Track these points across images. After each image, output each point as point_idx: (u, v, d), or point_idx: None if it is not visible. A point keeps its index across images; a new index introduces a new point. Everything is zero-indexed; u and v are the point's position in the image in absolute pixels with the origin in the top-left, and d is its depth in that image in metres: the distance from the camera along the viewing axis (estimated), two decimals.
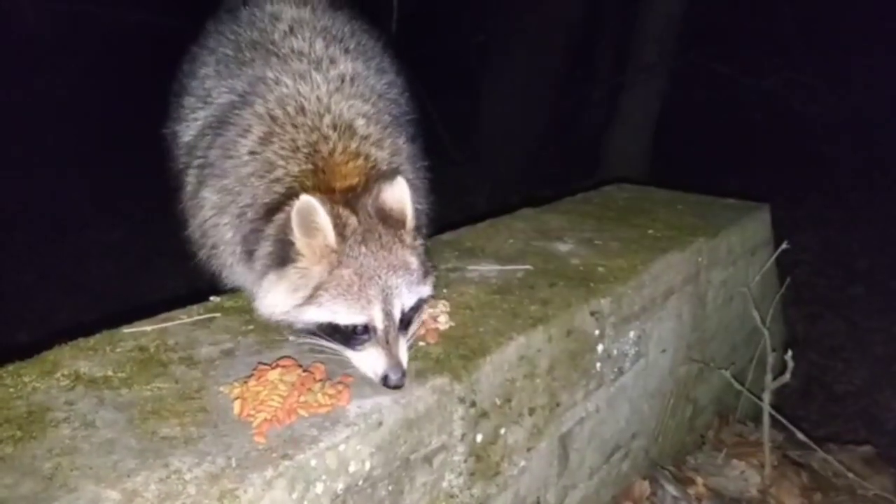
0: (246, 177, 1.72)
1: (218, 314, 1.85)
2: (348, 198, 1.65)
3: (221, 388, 1.47)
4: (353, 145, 1.74)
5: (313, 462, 1.34)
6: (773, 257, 3.17)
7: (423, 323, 1.87)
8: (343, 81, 1.86)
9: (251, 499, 1.23)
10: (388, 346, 1.57)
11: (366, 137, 1.78)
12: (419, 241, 1.74)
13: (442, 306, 1.95)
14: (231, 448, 1.32)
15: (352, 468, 1.42)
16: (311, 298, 1.58)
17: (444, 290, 2.09)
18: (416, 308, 1.69)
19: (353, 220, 1.61)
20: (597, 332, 2.13)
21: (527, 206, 3.02)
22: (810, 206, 6.76)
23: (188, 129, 1.93)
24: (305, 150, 1.71)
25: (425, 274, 1.71)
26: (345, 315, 1.58)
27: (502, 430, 1.84)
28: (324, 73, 1.85)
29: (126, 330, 1.76)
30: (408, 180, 1.72)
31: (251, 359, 1.66)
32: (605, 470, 2.36)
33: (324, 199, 1.57)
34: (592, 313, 2.10)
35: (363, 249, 1.60)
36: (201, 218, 1.80)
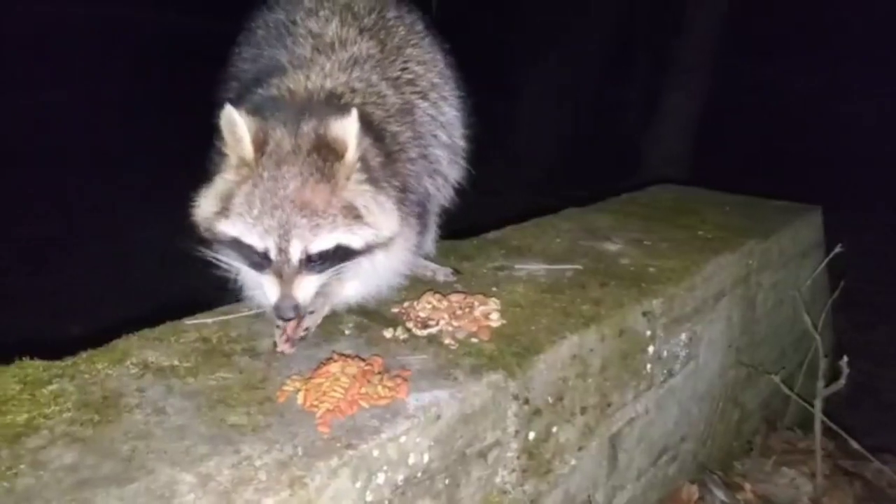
0: None
1: None
2: (289, 117, 1.59)
3: (285, 386, 1.51)
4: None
5: (375, 452, 1.37)
6: (826, 261, 3.10)
7: (475, 320, 1.89)
8: (355, 63, 1.82)
9: (318, 486, 1.26)
10: (282, 280, 1.54)
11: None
12: (364, 184, 1.60)
13: (493, 304, 1.97)
14: (297, 437, 1.35)
15: (411, 460, 1.44)
16: (223, 210, 1.56)
17: (494, 289, 2.11)
18: (339, 253, 1.58)
19: (279, 138, 1.55)
20: (648, 332, 2.13)
21: (565, 207, 3.01)
22: (860, 209, 6.59)
23: None
24: None
25: (365, 218, 1.58)
26: (244, 235, 1.54)
27: (554, 429, 1.84)
28: (328, 57, 1.82)
29: (189, 322, 1.81)
30: (423, 150, 1.74)
31: (310, 351, 1.69)
32: (653, 472, 2.35)
33: (250, 113, 1.56)
34: (644, 314, 2.09)
35: (276, 172, 1.53)
36: None
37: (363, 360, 1.61)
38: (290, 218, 1.51)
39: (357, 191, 1.58)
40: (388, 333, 1.80)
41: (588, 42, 6.59)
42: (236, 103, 1.62)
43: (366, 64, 1.83)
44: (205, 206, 1.60)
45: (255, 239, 1.53)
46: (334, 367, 1.54)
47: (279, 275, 1.54)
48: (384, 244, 1.65)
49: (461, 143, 2.04)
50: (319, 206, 1.53)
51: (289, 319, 1.58)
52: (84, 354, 1.62)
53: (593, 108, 7.13)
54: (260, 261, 1.56)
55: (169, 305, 1.94)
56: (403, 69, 1.92)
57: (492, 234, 2.61)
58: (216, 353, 1.66)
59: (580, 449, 1.96)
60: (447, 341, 1.78)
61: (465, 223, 2.44)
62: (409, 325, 1.85)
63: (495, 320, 1.90)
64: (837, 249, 3.01)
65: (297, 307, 1.55)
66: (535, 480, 1.81)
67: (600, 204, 3.11)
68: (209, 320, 1.82)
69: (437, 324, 1.85)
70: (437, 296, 1.96)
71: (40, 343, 1.67)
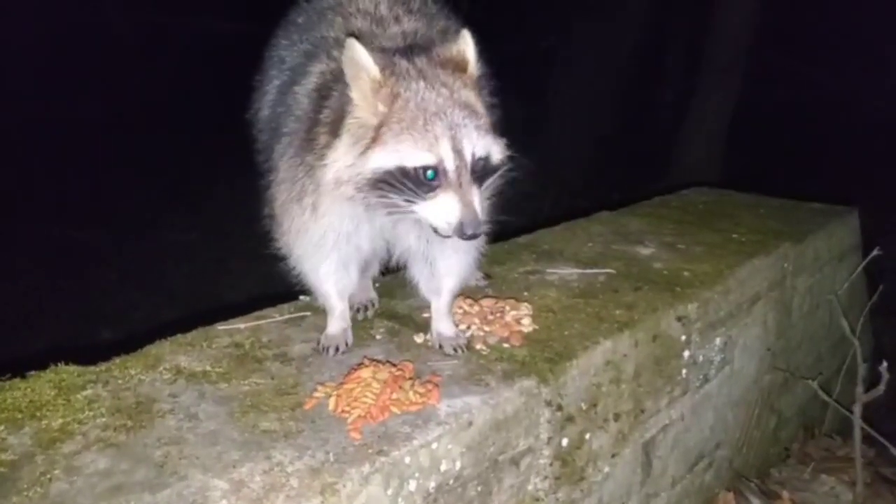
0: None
1: (308, 313, 1.89)
2: (396, 52, 1.56)
3: (316, 392, 1.50)
4: None
5: (407, 459, 1.35)
6: (864, 264, 3.02)
7: (507, 325, 1.87)
8: (405, 39, 1.78)
9: (350, 493, 1.25)
10: (462, 191, 1.43)
11: None
12: (487, 96, 1.60)
13: (525, 309, 1.94)
14: (328, 443, 1.34)
15: (443, 467, 1.42)
16: (374, 141, 1.45)
17: (525, 293, 2.09)
18: (488, 165, 1.50)
19: (402, 63, 1.51)
20: (683, 337, 2.08)
21: (597, 211, 2.97)
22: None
23: (266, 99, 1.89)
24: None
25: (495, 135, 1.54)
26: (411, 154, 1.43)
27: (587, 435, 1.81)
28: (384, 29, 1.79)
29: (221, 327, 1.82)
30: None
31: (341, 356, 1.68)
32: (689, 479, 2.30)
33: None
34: (679, 318, 2.05)
35: (422, 84, 1.47)
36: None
37: (394, 365, 1.60)
38: (454, 119, 1.44)
39: (482, 97, 1.57)
40: (418, 339, 1.78)
41: (618, 43, 6.52)
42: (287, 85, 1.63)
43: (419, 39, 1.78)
44: (344, 156, 1.49)
45: (425, 151, 1.43)
46: (365, 373, 1.52)
47: (457, 186, 1.43)
48: (502, 170, 1.58)
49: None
50: (470, 107, 1.49)
51: (472, 237, 1.44)
52: (117, 360, 1.63)
53: (624, 110, 7.05)
54: (429, 182, 1.43)
55: (201, 310, 1.95)
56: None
57: (522, 238, 2.59)
58: (248, 359, 1.66)
59: (614, 456, 1.92)
60: (478, 346, 1.76)
61: (496, 227, 2.42)
62: None
63: (527, 325, 1.87)
64: (875, 252, 2.93)
65: (479, 223, 1.44)
66: (568, 488, 1.78)
67: (632, 207, 3.06)
68: (241, 325, 1.82)
69: (469, 329, 1.83)
70: (468, 301, 1.94)
71: (72, 348, 1.69)
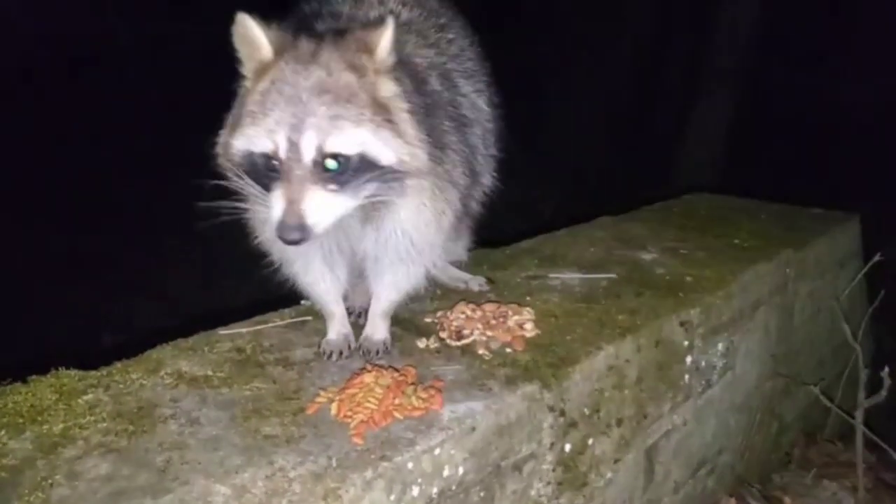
0: None
1: (310, 317, 1.89)
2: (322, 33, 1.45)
3: (318, 397, 1.49)
4: None
5: (410, 465, 1.34)
6: (865, 269, 3.02)
7: (509, 330, 1.86)
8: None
9: (352, 499, 1.24)
10: (290, 188, 1.28)
11: None
12: (400, 100, 1.41)
13: (527, 313, 1.94)
14: (331, 448, 1.33)
15: (446, 472, 1.42)
16: (234, 124, 1.38)
17: (527, 298, 2.08)
18: (364, 166, 1.33)
19: (304, 42, 1.39)
20: (686, 343, 2.08)
21: (598, 216, 2.97)
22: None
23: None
24: None
25: (399, 126, 1.38)
26: (253, 139, 1.32)
27: (590, 441, 1.80)
28: (364, 10, 1.73)
29: (222, 332, 1.81)
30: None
31: (343, 361, 1.68)
32: (691, 485, 2.29)
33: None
34: (682, 324, 2.05)
35: (298, 66, 1.33)
36: None
37: (396, 370, 1.59)
38: (307, 106, 1.29)
39: (392, 96, 1.39)
40: (421, 343, 1.78)
41: (619, 48, 6.54)
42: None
43: (410, 26, 1.73)
44: (224, 134, 1.42)
45: (263, 138, 1.31)
46: (368, 378, 1.52)
47: (286, 181, 1.29)
48: (415, 175, 1.44)
49: (493, 150, 1.97)
50: (343, 94, 1.32)
51: (291, 242, 1.29)
52: (118, 364, 1.62)
53: (625, 115, 7.06)
54: (270, 172, 1.32)
55: (202, 315, 1.94)
56: (447, 40, 1.82)
57: (525, 243, 2.58)
58: (250, 363, 1.65)
59: (616, 462, 1.91)
60: (481, 351, 1.75)
61: (498, 232, 2.42)
62: (443, 335, 1.82)
63: (530, 330, 1.87)
64: (877, 258, 2.93)
65: (303, 228, 1.28)
66: (571, 493, 1.77)
67: (634, 212, 3.06)
68: (243, 330, 1.82)
69: (471, 334, 1.83)
70: (471, 305, 1.93)
71: (72, 353, 1.68)
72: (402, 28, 1.66)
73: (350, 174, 1.33)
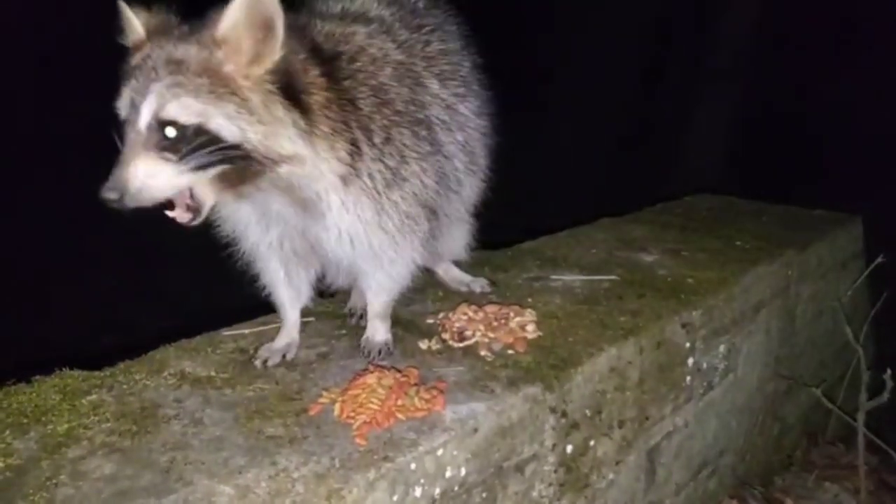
0: None
1: (312, 319, 1.89)
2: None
3: (321, 398, 1.50)
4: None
5: (413, 465, 1.35)
6: (868, 271, 3.02)
7: (511, 331, 1.86)
8: (359, 18, 1.69)
9: (355, 499, 1.24)
10: (123, 152, 1.31)
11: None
12: (269, 85, 1.38)
13: (529, 315, 1.94)
14: (334, 449, 1.34)
15: (448, 473, 1.42)
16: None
17: (529, 300, 2.08)
18: (204, 140, 1.31)
19: (175, 23, 1.43)
20: (687, 344, 2.08)
21: (599, 217, 2.97)
22: None
23: None
24: None
25: (254, 112, 1.35)
26: (117, 106, 1.36)
27: (592, 442, 1.81)
28: (336, 5, 1.74)
29: (225, 332, 1.82)
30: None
31: (345, 362, 1.69)
32: (692, 486, 2.29)
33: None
34: (683, 325, 2.05)
35: (159, 42, 1.37)
36: None
37: (399, 371, 1.60)
38: (154, 75, 1.32)
39: (253, 81, 1.37)
40: (423, 345, 1.78)
41: (620, 48, 6.54)
42: None
43: (375, 23, 1.69)
44: None
45: (120, 103, 1.35)
46: (371, 379, 1.52)
47: (124, 146, 1.31)
48: (288, 162, 1.42)
49: (482, 160, 1.94)
50: (186, 65, 1.33)
51: (110, 204, 1.28)
52: (121, 365, 1.63)
53: (626, 116, 7.06)
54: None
55: (204, 316, 1.95)
56: (422, 41, 1.78)
57: (526, 245, 2.59)
58: (253, 364, 1.66)
59: (618, 463, 1.92)
60: (483, 353, 1.76)
61: (498, 233, 2.42)
62: (445, 336, 1.83)
63: (531, 332, 1.87)
64: (879, 260, 2.93)
65: (123, 190, 1.28)
66: (573, 495, 1.78)
67: (635, 214, 3.07)
68: (246, 331, 1.83)
69: (473, 335, 1.83)
70: (473, 307, 1.94)
71: (73, 354, 1.68)
72: (357, 20, 1.65)
73: (189, 146, 1.32)
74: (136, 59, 1.39)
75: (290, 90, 1.40)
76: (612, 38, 6.47)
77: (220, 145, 1.33)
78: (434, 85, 1.73)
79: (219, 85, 1.33)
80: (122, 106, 1.35)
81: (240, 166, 1.38)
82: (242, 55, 1.35)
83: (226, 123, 1.33)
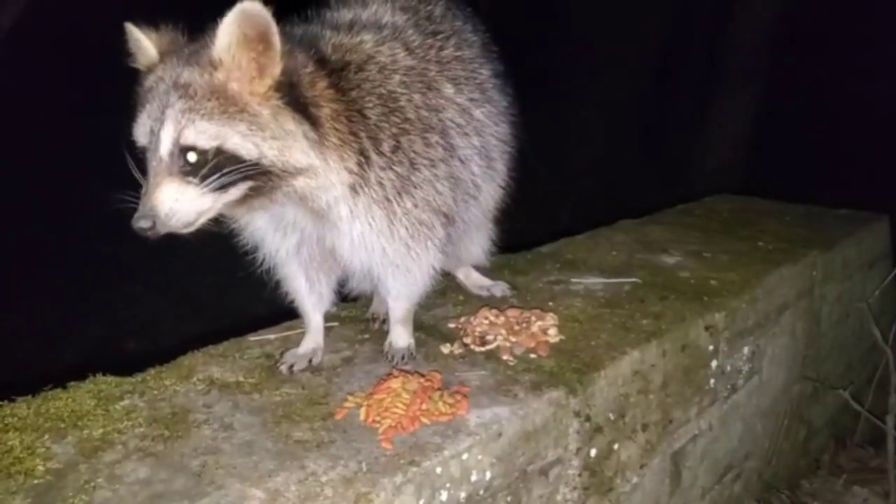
0: None
1: (335, 323, 1.92)
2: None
3: (346, 402, 1.52)
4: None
5: (438, 469, 1.36)
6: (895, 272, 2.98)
7: (533, 335, 1.87)
8: (350, 25, 1.68)
9: (383, 503, 1.26)
10: (149, 178, 1.34)
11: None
12: (278, 100, 1.40)
13: (550, 319, 1.95)
14: (361, 453, 1.36)
15: (473, 477, 1.43)
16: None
17: (550, 303, 2.09)
18: (225, 161, 1.34)
19: (185, 48, 1.44)
20: (711, 347, 2.07)
21: (619, 219, 2.96)
22: None
23: None
24: None
25: (266, 128, 1.37)
26: (134, 133, 1.39)
27: (616, 446, 1.81)
28: (345, 13, 1.73)
29: (252, 338, 1.85)
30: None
31: (369, 366, 1.71)
32: (718, 490, 2.28)
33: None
34: (707, 328, 2.04)
35: (170, 64, 1.40)
36: None
37: (422, 376, 1.61)
38: (168, 100, 1.35)
39: (260, 97, 1.38)
40: (445, 349, 1.80)
41: (637, 51, 6.52)
42: None
43: (386, 30, 1.70)
44: None
45: (138, 130, 1.38)
46: (395, 383, 1.54)
47: (149, 172, 1.34)
48: (304, 174, 1.44)
49: (501, 165, 1.95)
50: (194, 88, 1.35)
51: (142, 231, 1.31)
52: (152, 371, 1.67)
53: (645, 117, 7.02)
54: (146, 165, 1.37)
55: (228, 322, 1.98)
56: (437, 47, 1.78)
57: (546, 248, 2.59)
58: (279, 369, 1.69)
59: (642, 466, 1.92)
60: (505, 357, 1.77)
61: (518, 237, 2.43)
62: (467, 340, 1.84)
63: (553, 336, 1.88)
64: None
65: (154, 217, 1.31)
66: (597, 498, 1.78)
67: (655, 215, 3.06)
68: (271, 336, 1.86)
69: (495, 339, 1.84)
70: (494, 311, 1.95)
71: (99, 360, 1.72)
72: (366, 28, 1.66)
73: (211, 169, 1.34)
74: (148, 83, 1.42)
75: (298, 103, 1.43)
76: (631, 39, 6.45)
77: (239, 165, 1.36)
78: (448, 89, 1.74)
79: (229, 105, 1.36)
80: (141, 133, 1.38)
81: (259, 182, 1.41)
82: (244, 72, 1.37)
83: (242, 142, 1.36)
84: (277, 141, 1.39)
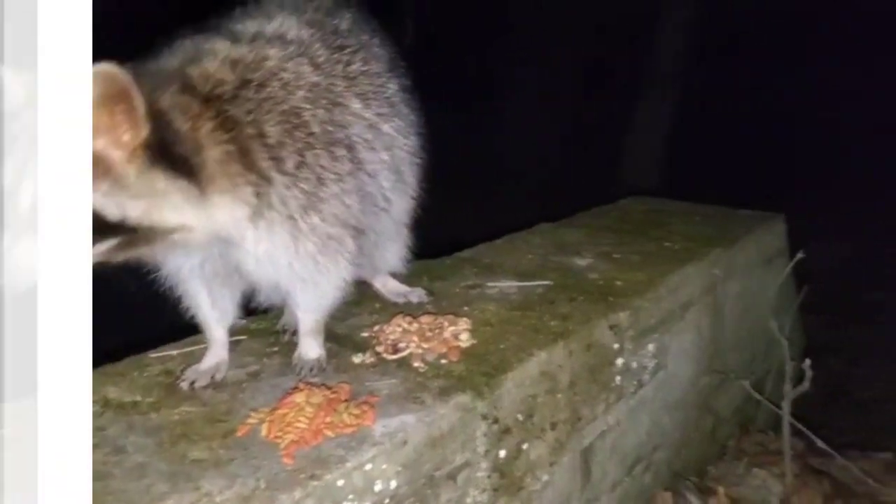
0: None
1: (244, 337, 1.88)
2: None
3: (249, 419, 1.50)
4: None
5: (340, 482, 1.36)
6: (790, 266, 3.15)
7: (445, 341, 1.89)
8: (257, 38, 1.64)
9: None
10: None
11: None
12: (143, 156, 1.32)
13: (463, 324, 1.97)
14: (260, 470, 1.34)
15: (378, 487, 1.44)
16: None
17: (465, 308, 2.12)
18: (124, 224, 1.33)
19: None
20: (616, 345, 2.14)
21: (544, 222, 3.04)
22: (830, 214, 6.71)
23: None
24: None
25: (131, 189, 1.32)
26: None
27: (525, 446, 1.85)
28: (252, 27, 1.68)
29: (152, 355, 1.79)
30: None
31: (277, 380, 1.68)
32: (628, 482, 2.36)
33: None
34: (611, 327, 2.11)
35: None
36: None
37: (329, 388, 1.60)
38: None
39: (127, 155, 1.32)
40: (357, 359, 1.79)
41: (559, 57, 6.66)
42: None
43: (292, 45, 1.65)
44: None
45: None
46: (299, 397, 1.53)
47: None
48: (177, 232, 1.41)
49: (411, 178, 1.97)
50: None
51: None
52: None
53: (565, 122, 7.19)
54: None
55: (136, 338, 1.92)
56: (343, 62, 1.75)
57: (465, 252, 2.62)
58: (179, 386, 1.64)
59: (552, 464, 1.96)
60: (416, 364, 1.78)
61: (440, 242, 2.45)
62: (379, 349, 1.84)
63: (465, 340, 1.90)
64: (799, 256, 3.06)
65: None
66: (507, 498, 1.81)
67: (572, 218, 3.14)
68: (174, 352, 1.80)
69: (407, 347, 1.85)
70: (408, 318, 1.96)
71: None
72: (271, 42, 1.63)
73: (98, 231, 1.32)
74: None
75: (173, 157, 1.37)
76: (549, 43, 6.58)
77: (101, 223, 1.30)
78: (356, 104, 1.73)
79: (94, 163, 1.28)
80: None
81: (128, 237, 1.36)
82: (110, 132, 1.30)
83: (104, 202, 1.31)
84: (142, 200, 1.34)
